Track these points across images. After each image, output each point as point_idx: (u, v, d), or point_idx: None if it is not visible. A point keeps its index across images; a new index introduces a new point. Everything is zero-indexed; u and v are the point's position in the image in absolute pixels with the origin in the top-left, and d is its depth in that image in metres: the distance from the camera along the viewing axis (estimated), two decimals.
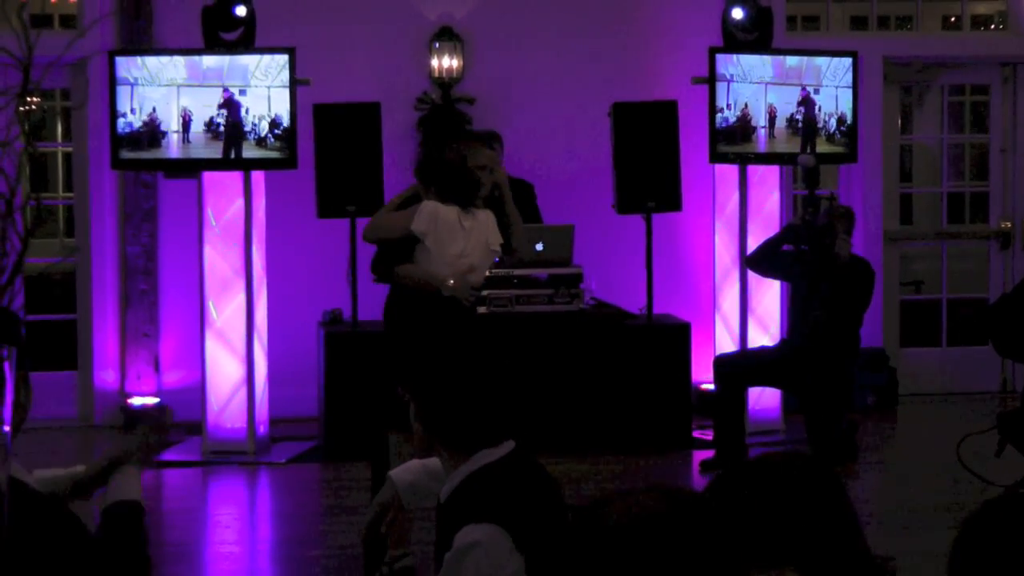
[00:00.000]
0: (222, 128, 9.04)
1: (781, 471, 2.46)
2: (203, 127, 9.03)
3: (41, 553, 2.66)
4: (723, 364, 8.79)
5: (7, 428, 2.33)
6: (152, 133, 9.04)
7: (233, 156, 9.04)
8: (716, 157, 9.59)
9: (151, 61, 9.08)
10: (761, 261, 8.82)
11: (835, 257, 8.16)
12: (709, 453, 8.84)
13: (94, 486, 3.30)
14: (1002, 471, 4.76)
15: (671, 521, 1.93)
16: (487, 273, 7.22)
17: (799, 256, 8.41)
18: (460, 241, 6.79)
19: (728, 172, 9.78)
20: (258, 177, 9.23)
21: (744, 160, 9.64)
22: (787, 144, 9.64)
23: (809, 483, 2.44)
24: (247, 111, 9.02)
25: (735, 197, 9.76)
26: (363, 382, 8.80)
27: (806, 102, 9.65)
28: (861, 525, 2.49)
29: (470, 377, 3.39)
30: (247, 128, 9.03)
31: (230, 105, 9.03)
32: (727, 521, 2.03)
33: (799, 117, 9.66)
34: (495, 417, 3.39)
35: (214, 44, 9.14)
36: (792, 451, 2.69)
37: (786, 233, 8.69)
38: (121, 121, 9.04)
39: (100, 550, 2.97)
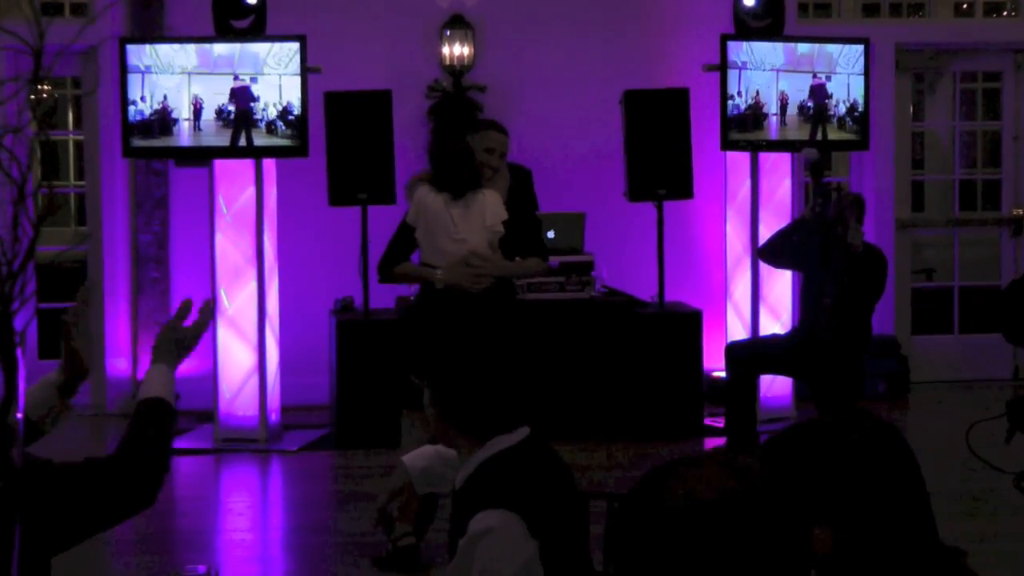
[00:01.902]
0: (232, 116, 9.04)
1: (847, 429, 2.40)
2: (214, 115, 9.03)
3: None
4: (734, 352, 8.77)
5: (20, 415, 2.34)
6: (163, 121, 9.05)
7: (244, 144, 9.04)
8: (727, 144, 9.58)
9: (162, 49, 9.09)
10: (772, 252, 8.80)
11: (848, 247, 8.12)
12: (720, 440, 8.84)
13: (73, 380, 3.44)
14: (1012, 458, 4.76)
15: (741, 497, 1.82)
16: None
17: (810, 245, 8.38)
18: (448, 228, 6.69)
19: (740, 159, 9.77)
20: (269, 165, 9.23)
21: (755, 147, 9.63)
22: (798, 131, 9.63)
23: (875, 441, 2.39)
24: (258, 98, 9.03)
25: (747, 184, 9.75)
26: (375, 370, 8.82)
27: (815, 91, 9.63)
28: (927, 496, 2.43)
29: (487, 362, 3.38)
30: (257, 116, 9.03)
31: (238, 94, 9.02)
32: (787, 485, 1.93)
33: (810, 104, 9.65)
34: (511, 402, 3.38)
35: (225, 32, 9.14)
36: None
37: (797, 225, 8.67)
38: (132, 109, 9.04)
39: (85, 472, 3.07)
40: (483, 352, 3.39)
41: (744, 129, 9.55)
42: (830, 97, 9.68)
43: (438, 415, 3.40)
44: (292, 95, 9.03)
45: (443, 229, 6.68)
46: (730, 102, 9.48)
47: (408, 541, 6.49)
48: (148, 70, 9.02)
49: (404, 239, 6.84)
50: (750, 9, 9.71)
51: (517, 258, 6.98)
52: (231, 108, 9.04)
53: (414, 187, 6.92)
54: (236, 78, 9.02)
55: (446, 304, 6.62)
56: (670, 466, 1.90)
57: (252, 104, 9.03)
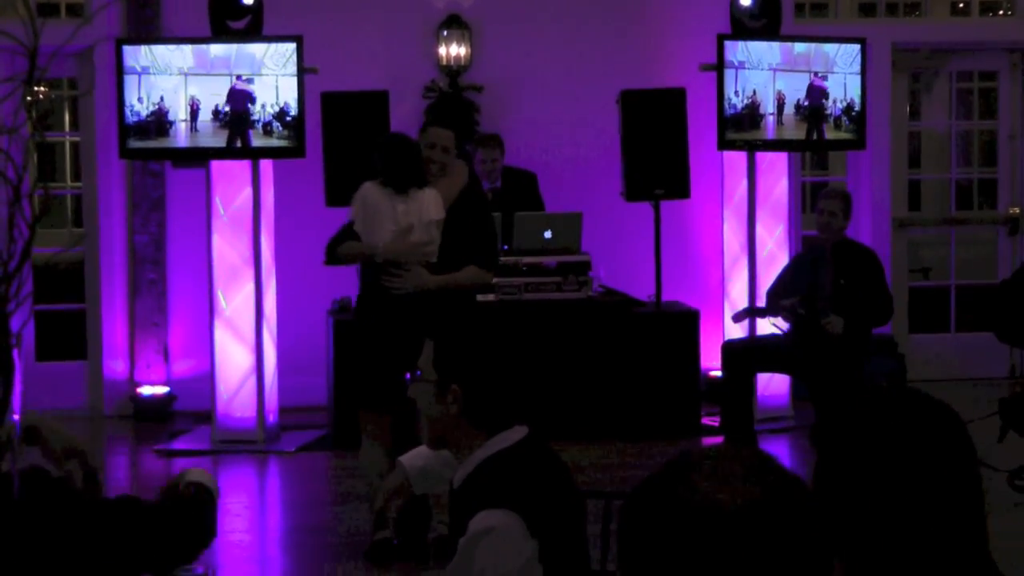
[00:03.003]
0: (228, 118, 9.03)
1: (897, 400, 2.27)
2: (211, 116, 9.03)
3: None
4: (731, 350, 8.77)
5: (16, 416, 2.34)
6: (160, 122, 9.04)
7: (239, 145, 9.03)
8: (724, 144, 9.58)
9: (158, 50, 9.08)
10: (772, 309, 8.83)
11: (828, 333, 8.22)
12: (718, 439, 8.84)
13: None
14: (1006, 456, 4.76)
15: (763, 507, 1.68)
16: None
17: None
18: (392, 216, 6.70)
19: (736, 159, 9.77)
20: (266, 166, 9.23)
21: (752, 147, 9.63)
22: (795, 131, 9.63)
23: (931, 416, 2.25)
24: (255, 100, 9.02)
25: (743, 184, 9.75)
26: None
27: (813, 91, 9.62)
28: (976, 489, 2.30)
29: (501, 357, 3.40)
30: (255, 117, 9.03)
31: (236, 96, 9.01)
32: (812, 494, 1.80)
33: (807, 104, 9.65)
34: (523, 398, 3.41)
35: (221, 32, 9.14)
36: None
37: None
38: (128, 110, 9.03)
39: (125, 509, 2.99)
40: (497, 348, 3.40)
41: (741, 129, 9.55)
42: (828, 99, 9.68)
43: (449, 412, 3.38)
44: (289, 96, 9.02)
45: (387, 217, 6.70)
46: (727, 102, 9.48)
47: (383, 535, 6.62)
48: (145, 71, 9.01)
49: (348, 233, 6.88)
50: (747, 9, 9.71)
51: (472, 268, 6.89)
52: (227, 109, 9.03)
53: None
54: (239, 78, 9.02)
55: (397, 307, 6.63)
56: (688, 463, 1.75)
57: (249, 106, 9.02)
